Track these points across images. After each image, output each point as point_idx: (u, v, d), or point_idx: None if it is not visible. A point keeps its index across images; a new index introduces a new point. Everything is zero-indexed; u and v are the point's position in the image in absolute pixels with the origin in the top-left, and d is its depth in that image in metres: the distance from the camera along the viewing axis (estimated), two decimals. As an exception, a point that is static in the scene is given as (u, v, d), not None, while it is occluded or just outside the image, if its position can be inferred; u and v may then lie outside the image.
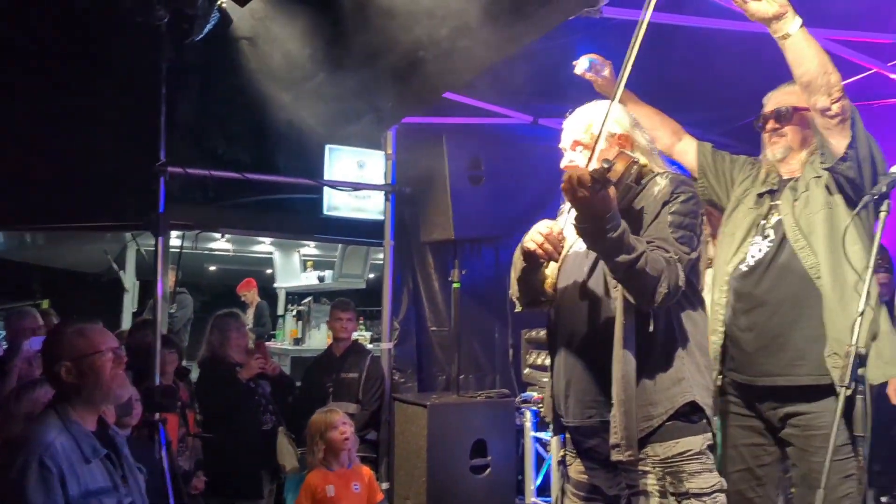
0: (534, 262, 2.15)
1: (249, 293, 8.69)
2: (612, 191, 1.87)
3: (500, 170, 4.82)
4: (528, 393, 4.42)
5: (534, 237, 2.09)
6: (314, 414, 3.68)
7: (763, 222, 2.58)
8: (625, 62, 2.05)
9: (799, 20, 2.28)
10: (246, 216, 5.86)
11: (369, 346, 5.70)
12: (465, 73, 4.07)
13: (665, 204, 2.08)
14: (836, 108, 2.32)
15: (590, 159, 2.06)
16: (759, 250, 2.54)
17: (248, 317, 8.22)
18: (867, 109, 4.92)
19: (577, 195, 1.81)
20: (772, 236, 2.53)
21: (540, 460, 4.40)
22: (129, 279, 7.46)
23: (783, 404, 2.46)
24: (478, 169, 4.71)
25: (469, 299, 4.91)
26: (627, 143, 2.23)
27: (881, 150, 2.45)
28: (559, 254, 2.11)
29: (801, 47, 2.29)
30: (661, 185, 2.13)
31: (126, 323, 6.85)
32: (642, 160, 2.13)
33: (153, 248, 3.55)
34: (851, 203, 2.42)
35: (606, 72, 2.80)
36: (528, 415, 4.38)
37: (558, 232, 2.08)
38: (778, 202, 2.56)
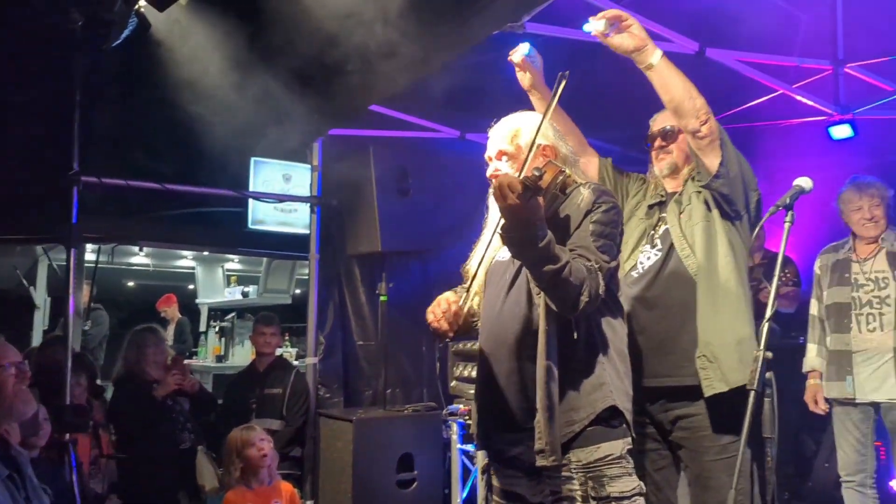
0: (438, 335, 2.22)
1: (170, 309, 8.41)
2: (540, 200, 1.89)
3: (428, 183, 4.84)
4: (454, 405, 4.42)
5: (433, 310, 2.18)
6: (231, 431, 3.58)
7: (652, 232, 2.71)
8: (552, 98, 2.12)
9: (659, 52, 2.42)
10: (166, 229, 5.69)
11: (295, 363, 5.60)
12: (391, 86, 4.08)
13: (587, 213, 2.12)
14: (704, 129, 2.47)
15: (520, 169, 2.08)
16: (649, 258, 2.67)
17: (169, 334, 7.95)
18: (774, 128, 5.19)
19: (508, 202, 1.82)
20: (660, 245, 2.66)
21: (466, 473, 4.40)
22: (40, 296, 7.11)
23: (672, 406, 2.55)
24: (405, 181, 4.72)
25: (396, 312, 4.88)
26: (553, 154, 2.27)
27: (750, 168, 2.63)
28: (454, 331, 2.17)
29: (665, 76, 2.43)
30: (583, 194, 2.17)
31: (37, 342, 6.53)
32: (568, 171, 2.18)
33: (66, 263, 3.40)
34: (727, 216, 2.58)
35: (539, 64, 2.83)
36: (455, 427, 4.38)
37: (455, 310, 2.15)
38: (665, 214, 2.70)
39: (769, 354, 2.26)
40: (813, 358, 3.79)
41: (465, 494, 4.38)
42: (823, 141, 4.56)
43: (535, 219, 1.86)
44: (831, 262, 3.82)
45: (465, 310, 2.20)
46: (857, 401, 3.60)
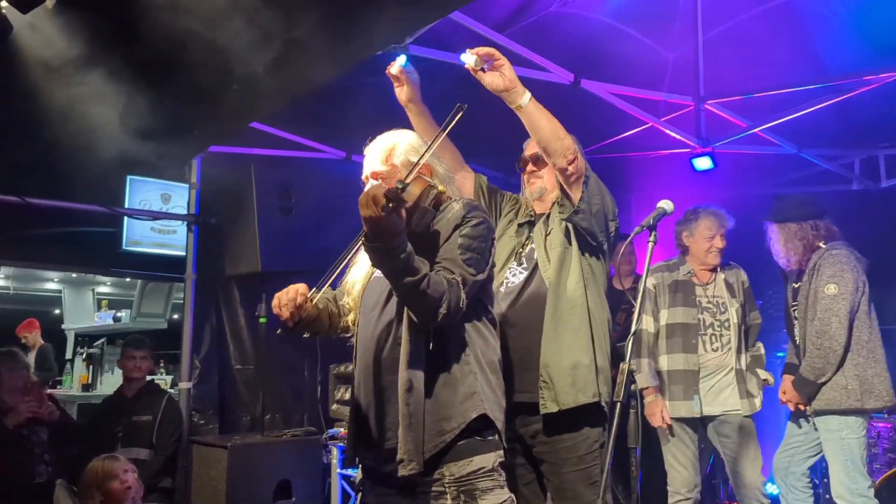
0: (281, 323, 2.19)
1: (31, 335, 7.84)
2: (402, 213, 1.91)
3: (312, 203, 4.77)
4: (335, 429, 4.34)
5: (280, 295, 2.18)
6: (91, 462, 3.35)
7: (520, 251, 2.81)
8: (444, 126, 2.16)
9: (528, 95, 2.50)
10: (29, 249, 5.31)
11: (171, 391, 5.33)
12: (273, 103, 4.03)
13: (456, 227, 2.16)
14: (571, 168, 2.58)
15: (406, 177, 2.07)
16: (515, 276, 2.76)
17: (30, 361, 7.39)
18: (644, 159, 5.50)
19: (369, 213, 1.83)
20: (525, 264, 2.77)
21: (346, 498, 4.32)
22: None
23: (532, 421, 2.63)
24: (288, 201, 4.63)
25: (277, 336, 4.75)
26: (427, 171, 2.30)
27: (612, 199, 2.76)
28: (295, 323, 2.18)
29: (533, 118, 2.53)
30: (455, 209, 2.21)
31: None
32: (441, 187, 2.22)
33: None
34: (585, 247, 2.71)
35: (414, 78, 2.88)
36: (335, 452, 4.30)
37: (301, 301, 2.16)
38: (532, 234, 2.82)
39: (633, 367, 2.37)
40: (648, 374, 3.64)
41: (345, 520, 4.29)
42: (687, 172, 4.86)
43: (396, 231, 1.88)
44: (668, 281, 3.84)
45: (312, 304, 2.20)
46: (698, 417, 3.65)
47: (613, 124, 5.15)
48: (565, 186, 2.64)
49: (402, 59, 2.79)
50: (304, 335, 2.38)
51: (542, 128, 2.53)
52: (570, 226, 2.70)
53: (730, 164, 5.14)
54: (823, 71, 4.42)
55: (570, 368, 2.56)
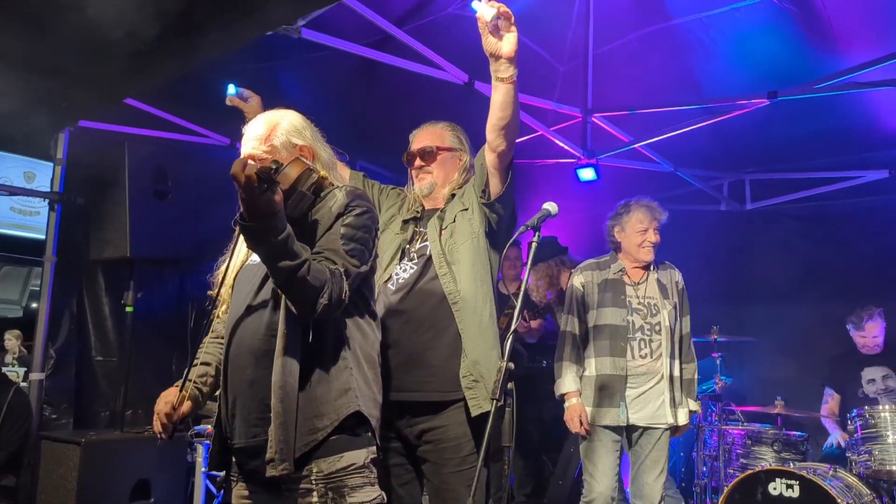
0: None
1: None
2: (279, 196, 1.82)
3: (192, 189, 4.53)
4: (202, 426, 4.12)
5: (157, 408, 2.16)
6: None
7: (408, 246, 2.73)
8: None
9: (516, 70, 2.42)
10: None
11: (23, 385, 4.91)
12: (153, 79, 3.80)
13: (339, 216, 2.07)
14: (509, 155, 2.57)
15: (281, 166, 1.97)
16: (405, 271, 2.68)
17: None
18: (532, 166, 5.61)
19: (243, 192, 1.75)
20: (416, 260, 2.69)
21: (210, 497, 4.11)
22: None
23: (417, 420, 2.57)
24: (164, 184, 4.38)
25: (145, 326, 4.49)
26: (309, 155, 2.21)
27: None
28: (168, 435, 2.16)
29: (512, 94, 2.45)
30: (337, 197, 2.12)
31: None
32: (322, 172, 2.13)
33: None
34: (492, 238, 2.68)
35: (254, 101, 2.85)
36: (201, 450, 4.09)
37: (167, 410, 2.14)
38: (423, 230, 2.75)
39: (511, 365, 2.37)
40: (571, 379, 3.50)
41: (207, 521, 4.09)
42: (573, 181, 4.99)
43: (271, 212, 1.79)
44: (598, 279, 3.60)
45: (186, 404, 2.18)
46: (623, 425, 3.45)
47: (504, 130, 5.22)
48: (491, 172, 2.58)
49: (231, 89, 2.80)
50: None
51: (515, 107, 2.46)
52: (476, 220, 2.64)
53: (613, 177, 5.33)
54: (700, 94, 4.67)
55: (474, 381, 2.51)
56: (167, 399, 2.16)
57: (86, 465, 3.72)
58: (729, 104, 4.40)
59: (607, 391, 3.44)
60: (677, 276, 3.66)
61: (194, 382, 2.22)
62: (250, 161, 2.12)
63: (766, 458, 4.16)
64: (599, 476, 3.44)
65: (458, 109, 4.96)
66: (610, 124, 4.85)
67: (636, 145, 4.93)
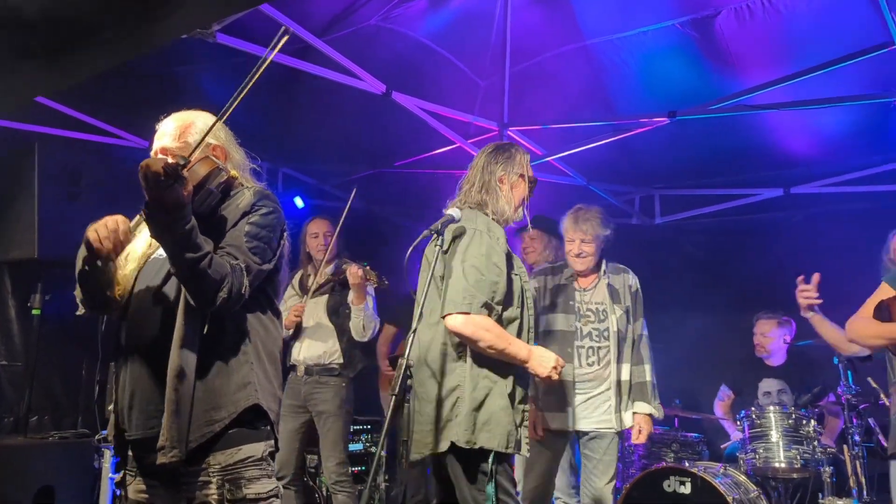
0: (95, 257, 2.04)
1: None
2: (186, 189, 1.87)
3: (107, 191, 4.47)
4: (108, 441, 4.04)
5: (98, 228, 2.00)
6: None
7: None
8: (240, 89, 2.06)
9: None
10: None
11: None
12: (65, 78, 3.74)
13: (245, 214, 2.13)
14: None
15: (190, 154, 2.01)
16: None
17: None
18: (450, 177, 5.73)
19: (147, 185, 1.79)
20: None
21: (117, 502, 4.04)
22: None
23: None
24: (76, 185, 4.31)
25: (53, 329, 4.39)
26: (221, 155, 2.27)
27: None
28: (117, 254, 2.05)
29: None
30: (245, 196, 2.18)
31: None
32: (233, 172, 2.19)
33: None
34: None
35: None
36: (108, 455, 4.02)
37: (125, 230, 2.02)
38: None
39: (411, 363, 2.46)
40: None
41: (113, 528, 4.01)
42: (490, 192, 5.12)
43: (177, 205, 1.85)
44: (551, 284, 3.60)
45: (133, 235, 2.07)
46: (570, 430, 3.47)
47: (424, 141, 5.35)
48: None
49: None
50: (78, 312, 2.24)
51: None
52: None
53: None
54: (611, 111, 4.89)
55: None
56: (118, 220, 2.04)
57: (-14, 471, 3.62)
58: (634, 122, 4.64)
59: (555, 396, 3.43)
60: (631, 279, 3.66)
61: None
62: (161, 155, 2.17)
63: (666, 459, 4.38)
64: (533, 476, 3.47)
65: (377, 120, 5.09)
66: (525, 138, 5.03)
67: (549, 158, 5.13)
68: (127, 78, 4.45)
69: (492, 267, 2.60)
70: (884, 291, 2.67)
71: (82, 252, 2.08)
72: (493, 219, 2.77)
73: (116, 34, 3.23)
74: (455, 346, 2.60)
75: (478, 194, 2.82)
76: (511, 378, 2.60)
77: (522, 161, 2.86)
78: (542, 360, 2.61)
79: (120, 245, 2.02)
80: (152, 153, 2.28)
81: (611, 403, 3.47)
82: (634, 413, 3.50)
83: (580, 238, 3.58)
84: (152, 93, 4.53)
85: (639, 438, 3.50)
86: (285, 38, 2.06)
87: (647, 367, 3.57)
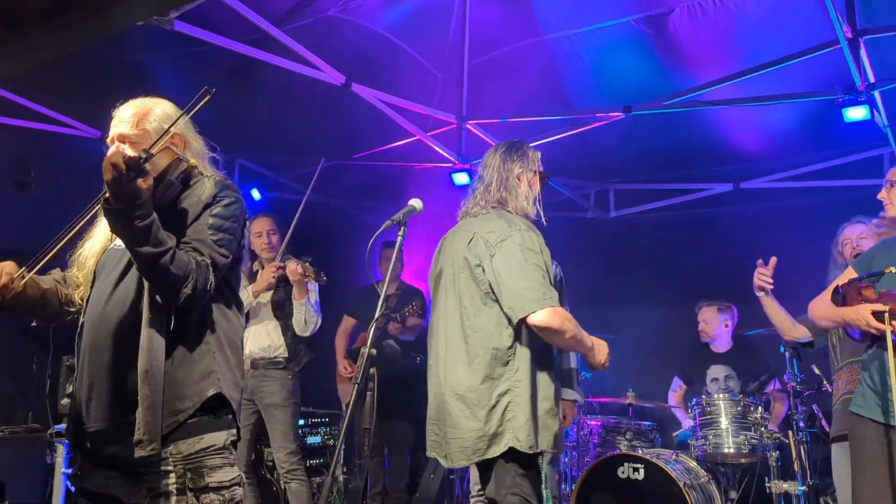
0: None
1: None
2: (146, 182, 1.86)
3: (58, 182, 4.39)
4: (63, 425, 3.98)
5: None
6: None
7: None
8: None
9: None
10: None
11: None
12: (14, 65, 3.65)
13: (207, 206, 2.10)
14: None
15: (152, 147, 1.98)
16: None
17: None
18: (410, 170, 5.76)
19: (109, 178, 1.77)
20: None
21: (70, 498, 3.98)
22: None
23: None
24: (26, 176, 4.22)
25: (2, 324, 4.28)
26: (180, 143, 2.24)
27: None
28: (3, 298, 2.05)
29: None
30: (206, 186, 2.15)
31: None
32: (192, 161, 2.17)
33: None
34: None
35: None
36: (61, 450, 3.95)
37: (5, 281, 2.04)
38: None
39: (373, 351, 2.48)
40: None
41: (67, 523, 3.95)
42: (449, 185, 5.18)
43: (137, 198, 1.83)
44: None
45: (21, 284, 2.08)
46: None
47: (383, 134, 5.35)
48: None
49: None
50: (33, 323, 2.21)
51: None
52: None
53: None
54: (567, 106, 4.97)
55: None
56: (3, 269, 2.06)
57: (-68, 468, 3.53)
58: (590, 116, 4.73)
59: None
60: (554, 269, 3.65)
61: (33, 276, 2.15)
62: (118, 143, 2.14)
63: (620, 447, 4.48)
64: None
65: (337, 111, 5.07)
66: (483, 131, 5.07)
67: (510, 152, 5.17)
68: (80, 66, 4.36)
69: (544, 263, 2.66)
70: (848, 274, 2.74)
71: None
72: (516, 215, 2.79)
73: (69, 19, 3.16)
74: (504, 351, 2.59)
75: (497, 192, 2.80)
76: (552, 380, 2.65)
77: (535, 157, 2.88)
78: (601, 348, 2.69)
79: (7, 290, 2.04)
80: (108, 140, 2.25)
81: None
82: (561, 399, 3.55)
83: None
84: (106, 82, 4.44)
85: (563, 424, 3.50)
86: (207, 97, 2.05)
87: (572, 355, 3.58)
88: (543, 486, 2.53)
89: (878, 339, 2.54)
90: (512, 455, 2.52)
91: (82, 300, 2.22)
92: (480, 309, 2.64)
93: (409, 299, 4.99)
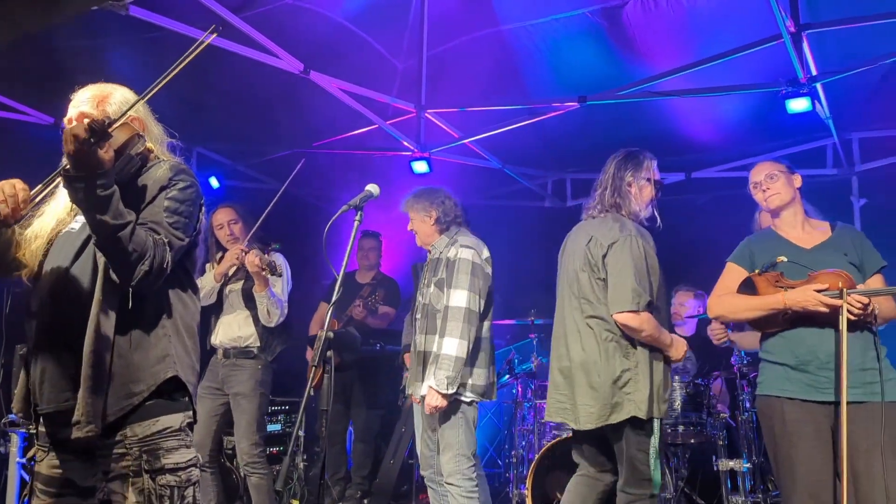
0: None
1: None
2: (108, 153, 1.87)
3: (11, 169, 4.27)
4: (15, 415, 3.92)
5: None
6: None
7: None
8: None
9: None
10: None
11: None
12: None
13: (163, 189, 2.11)
14: None
15: (114, 122, 1.97)
16: None
17: None
18: (370, 157, 5.79)
19: (71, 147, 1.78)
20: None
21: (25, 488, 3.94)
22: None
23: None
24: (-21, 165, 4.13)
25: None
26: (140, 126, 2.25)
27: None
28: (15, 221, 2.00)
29: None
30: (162, 169, 2.17)
31: None
32: (150, 145, 2.19)
33: None
34: None
35: None
36: (15, 439, 3.90)
37: (24, 199, 1.97)
38: None
39: (330, 335, 2.52)
40: None
41: (22, 512, 3.91)
42: (408, 173, 5.22)
43: (99, 166, 1.84)
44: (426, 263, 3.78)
45: (26, 211, 2.01)
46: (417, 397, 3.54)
47: (343, 122, 5.37)
48: None
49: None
50: None
51: None
52: None
53: (445, 171, 5.61)
54: (525, 95, 5.04)
55: None
56: (16, 185, 1.98)
57: None
58: (546, 106, 4.81)
59: (413, 366, 3.61)
60: (452, 251, 3.55)
61: None
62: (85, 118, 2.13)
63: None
64: (416, 438, 3.72)
65: (294, 100, 5.07)
66: (442, 120, 5.12)
67: (465, 140, 5.24)
68: (33, 51, 4.29)
69: (648, 268, 3.01)
70: (735, 270, 2.94)
71: None
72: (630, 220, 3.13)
73: (22, 3, 3.13)
74: (621, 336, 3.01)
75: (611, 198, 3.15)
76: (661, 360, 3.04)
77: (650, 166, 3.17)
78: (678, 345, 3.08)
79: (19, 209, 1.96)
80: (66, 120, 2.24)
81: (422, 372, 3.52)
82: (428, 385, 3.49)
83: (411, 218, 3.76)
84: (60, 67, 4.38)
85: (426, 410, 3.44)
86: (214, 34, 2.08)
87: (444, 340, 3.45)
88: (656, 442, 3.00)
89: (799, 321, 2.72)
90: (633, 421, 2.94)
91: (26, 278, 2.19)
92: (600, 300, 3.03)
93: (383, 288, 5.08)
